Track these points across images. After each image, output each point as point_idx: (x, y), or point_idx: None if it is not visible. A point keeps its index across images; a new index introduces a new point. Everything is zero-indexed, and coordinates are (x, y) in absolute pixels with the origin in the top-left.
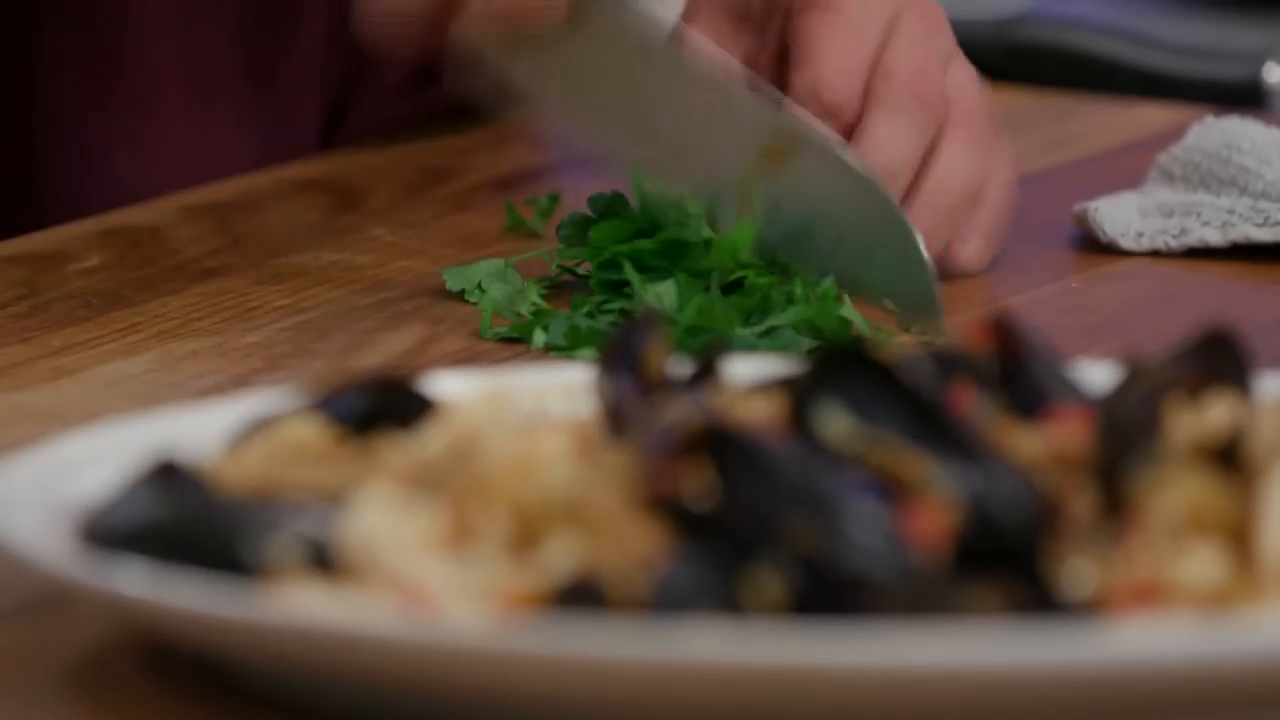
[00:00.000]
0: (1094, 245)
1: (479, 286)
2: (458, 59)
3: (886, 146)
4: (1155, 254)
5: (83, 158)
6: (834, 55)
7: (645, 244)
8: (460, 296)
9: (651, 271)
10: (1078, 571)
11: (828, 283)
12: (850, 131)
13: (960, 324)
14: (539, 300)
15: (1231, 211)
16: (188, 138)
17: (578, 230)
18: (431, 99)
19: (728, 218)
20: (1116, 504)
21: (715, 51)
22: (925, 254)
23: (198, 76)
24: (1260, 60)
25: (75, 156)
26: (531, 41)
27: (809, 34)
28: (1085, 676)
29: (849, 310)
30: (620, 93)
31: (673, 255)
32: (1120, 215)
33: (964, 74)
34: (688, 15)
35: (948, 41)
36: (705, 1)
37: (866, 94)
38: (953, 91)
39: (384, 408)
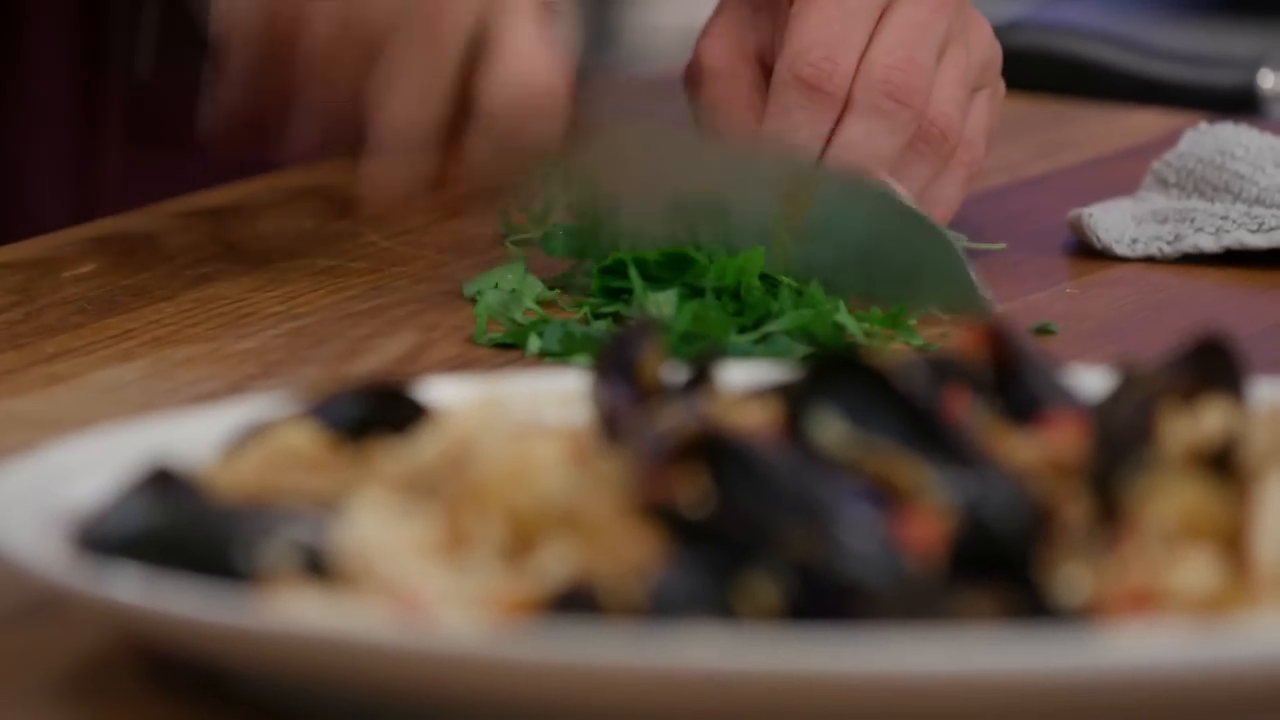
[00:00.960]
0: (1088, 251)
1: (496, 286)
2: (478, 189)
3: (860, 149)
4: (1149, 260)
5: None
6: (812, 29)
7: (650, 254)
8: (454, 302)
9: (653, 282)
10: (1072, 578)
11: (818, 288)
12: (840, 114)
13: (955, 330)
14: (534, 306)
15: (1225, 218)
16: (183, 156)
17: (565, 241)
18: None
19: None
20: (1111, 510)
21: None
22: (964, 257)
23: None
24: (1254, 67)
25: (64, 171)
26: (537, 159)
27: (793, 16)
28: (1080, 683)
29: (843, 316)
30: (636, 179)
31: (675, 268)
32: (1115, 221)
33: (956, 68)
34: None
35: (951, 26)
36: None
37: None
38: (938, 81)
39: (378, 414)
